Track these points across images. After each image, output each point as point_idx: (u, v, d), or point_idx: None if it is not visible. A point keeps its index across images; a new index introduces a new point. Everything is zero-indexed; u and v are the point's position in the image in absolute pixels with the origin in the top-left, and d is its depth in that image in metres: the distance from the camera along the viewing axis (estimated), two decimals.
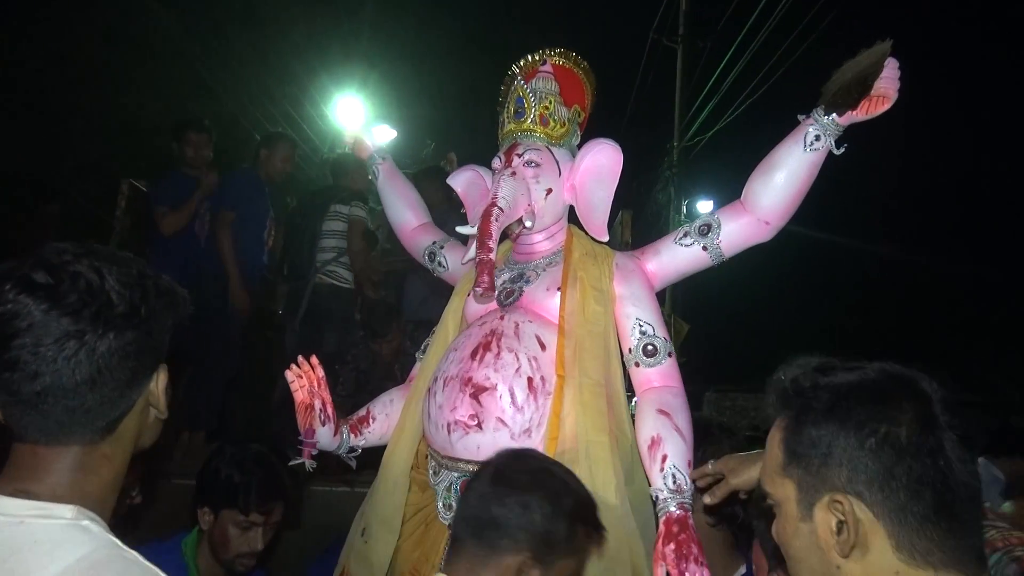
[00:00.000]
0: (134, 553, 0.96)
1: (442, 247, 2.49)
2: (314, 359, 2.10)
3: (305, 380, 2.09)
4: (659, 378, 2.02)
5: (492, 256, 2.03)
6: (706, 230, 2.07)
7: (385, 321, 4.42)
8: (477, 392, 1.94)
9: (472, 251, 2.10)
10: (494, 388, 1.94)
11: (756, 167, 2.02)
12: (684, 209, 11.70)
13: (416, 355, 2.40)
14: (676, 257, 2.12)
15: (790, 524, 0.99)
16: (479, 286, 2.01)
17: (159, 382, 1.09)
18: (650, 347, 2.03)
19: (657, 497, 1.81)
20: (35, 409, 0.96)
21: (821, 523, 0.94)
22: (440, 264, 2.49)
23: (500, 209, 2.05)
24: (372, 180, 2.74)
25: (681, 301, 11.32)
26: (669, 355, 2.04)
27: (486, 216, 2.04)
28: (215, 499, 2.17)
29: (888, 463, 0.89)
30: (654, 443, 1.87)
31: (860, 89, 1.81)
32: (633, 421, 2.01)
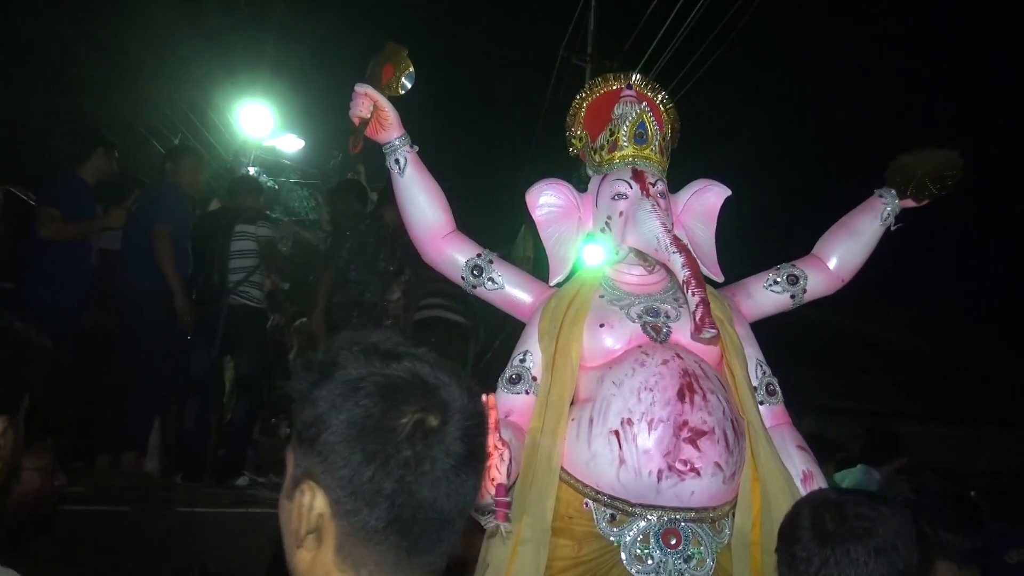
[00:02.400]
0: (11, 571, 0.99)
1: (491, 261, 2.24)
2: (492, 398, 1.69)
3: None
4: (780, 416, 2.15)
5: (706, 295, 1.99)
6: (794, 280, 2.25)
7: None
8: (695, 437, 1.87)
9: (562, 274, 2.20)
10: (712, 432, 1.89)
11: (834, 231, 2.32)
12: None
13: (501, 384, 2.12)
14: (767, 301, 2.27)
15: (281, 496, 0.92)
16: (712, 328, 1.90)
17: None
18: (771, 386, 2.16)
19: None
20: None
21: (295, 505, 0.87)
22: (492, 280, 2.23)
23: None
24: (396, 169, 2.20)
25: None
26: (782, 394, 2.18)
27: (687, 252, 1.99)
28: None
29: (359, 462, 0.82)
30: (807, 477, 2.02)
31: (940, 187, 2.24)
32: None
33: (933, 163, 2.25)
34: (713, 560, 1.85)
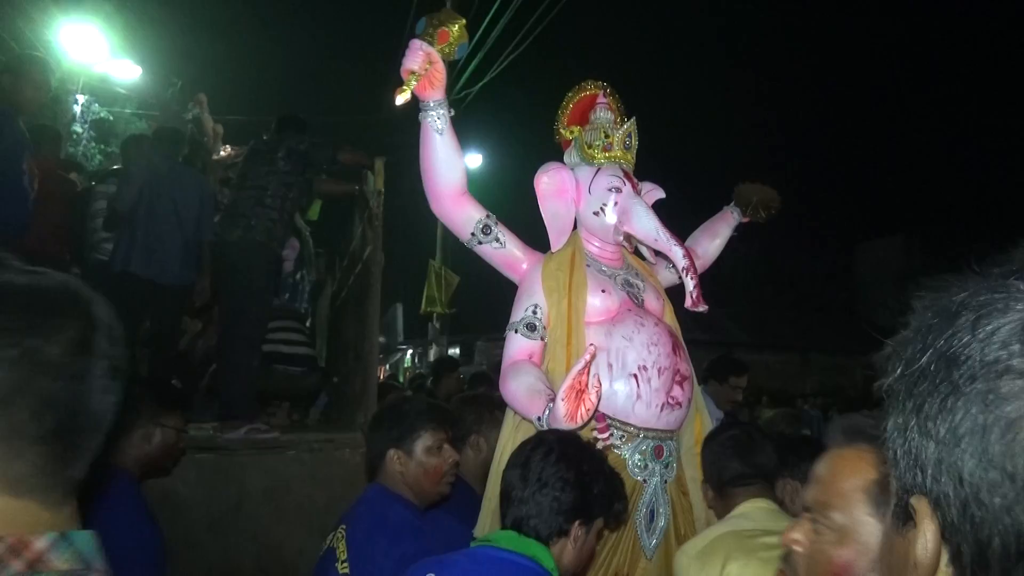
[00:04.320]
0: None
1: (496, 223, 2.58)
2: (594, 348, 2.15)
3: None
4: None
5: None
6: None
7: None
8: (682, 380, 2.48)
9: (560, 245, 2.58)
10: (689, 377, 2.54)
11: (703, 233, 3.11)
12: None
13: (514, 332, 2.49)
14: (667, 279, 2.86)
15: None
16: (706, 305, 2.48)
17: None
18: None
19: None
20: None
21: None
22: (497, 240, 2.58)
23: None
24: (436, 127, 2.43)
25: (451, 254, 11.49)
26: None
27: (684, 245, 2.53)
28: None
29: (22, 378, 0.79)
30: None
31: (767, 213, 3.17)
32: None
33: (764, 194, 3.14)
34: (676, 464, 2.51)
